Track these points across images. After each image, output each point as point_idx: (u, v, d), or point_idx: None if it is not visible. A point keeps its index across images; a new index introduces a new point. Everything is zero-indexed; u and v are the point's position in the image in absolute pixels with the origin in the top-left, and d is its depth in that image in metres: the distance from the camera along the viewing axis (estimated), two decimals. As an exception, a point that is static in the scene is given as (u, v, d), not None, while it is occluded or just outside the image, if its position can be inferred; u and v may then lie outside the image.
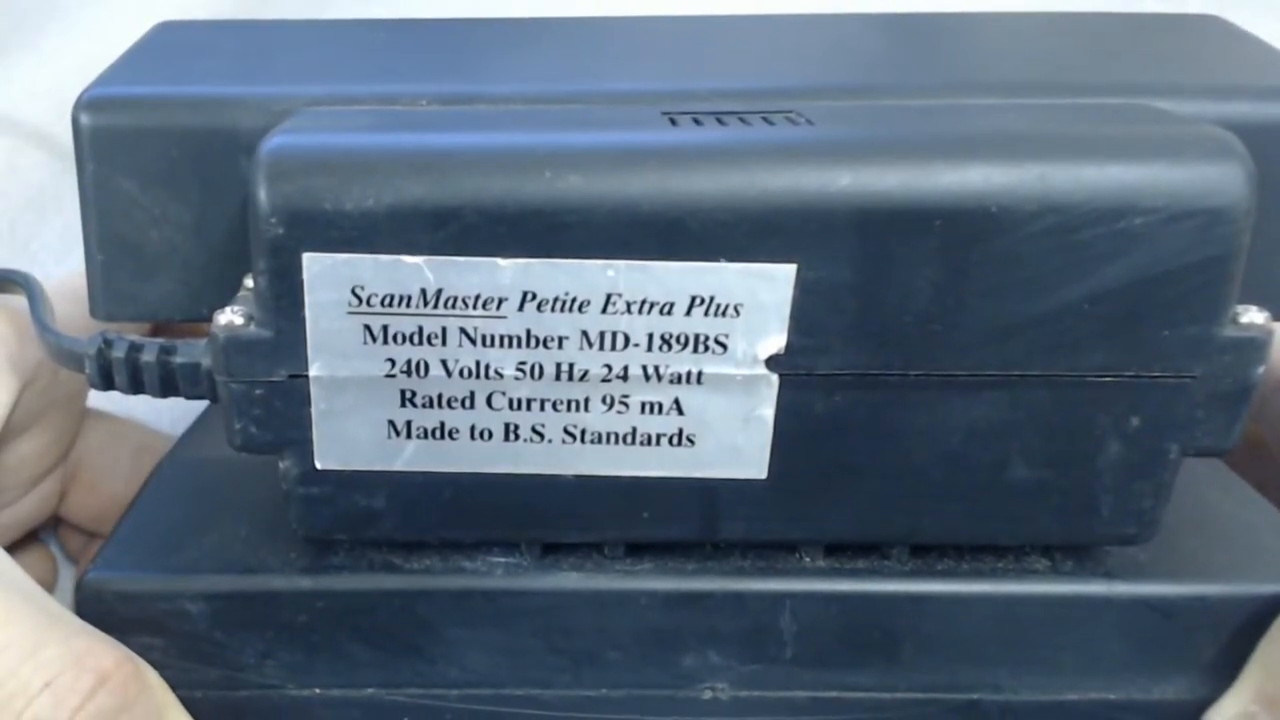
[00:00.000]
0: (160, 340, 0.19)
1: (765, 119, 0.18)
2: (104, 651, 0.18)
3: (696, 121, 0.18)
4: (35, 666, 0.17)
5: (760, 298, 0.17)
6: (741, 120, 0.18)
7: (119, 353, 0.19)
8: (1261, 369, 0.17)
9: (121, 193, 0.20)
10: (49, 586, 0.25)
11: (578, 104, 0.19)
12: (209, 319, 0.18)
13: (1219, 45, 0.23)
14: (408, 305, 0.17)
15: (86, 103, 0.19)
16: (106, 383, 0.19)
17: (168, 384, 0.19)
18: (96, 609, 0.19)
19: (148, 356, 0.19)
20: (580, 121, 0.18)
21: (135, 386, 0.19)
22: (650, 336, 0.17)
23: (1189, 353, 0.17)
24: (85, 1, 0.37)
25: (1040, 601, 0.19)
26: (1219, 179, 0.16)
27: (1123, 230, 0.16)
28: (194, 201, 0.20)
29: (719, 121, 0.18)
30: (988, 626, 0.19)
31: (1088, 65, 0.22)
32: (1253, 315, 0.17)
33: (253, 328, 0.17)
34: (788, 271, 0.17)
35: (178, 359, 0.19)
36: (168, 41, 0.23)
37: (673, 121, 0.18)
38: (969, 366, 0.17)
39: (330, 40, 0.23)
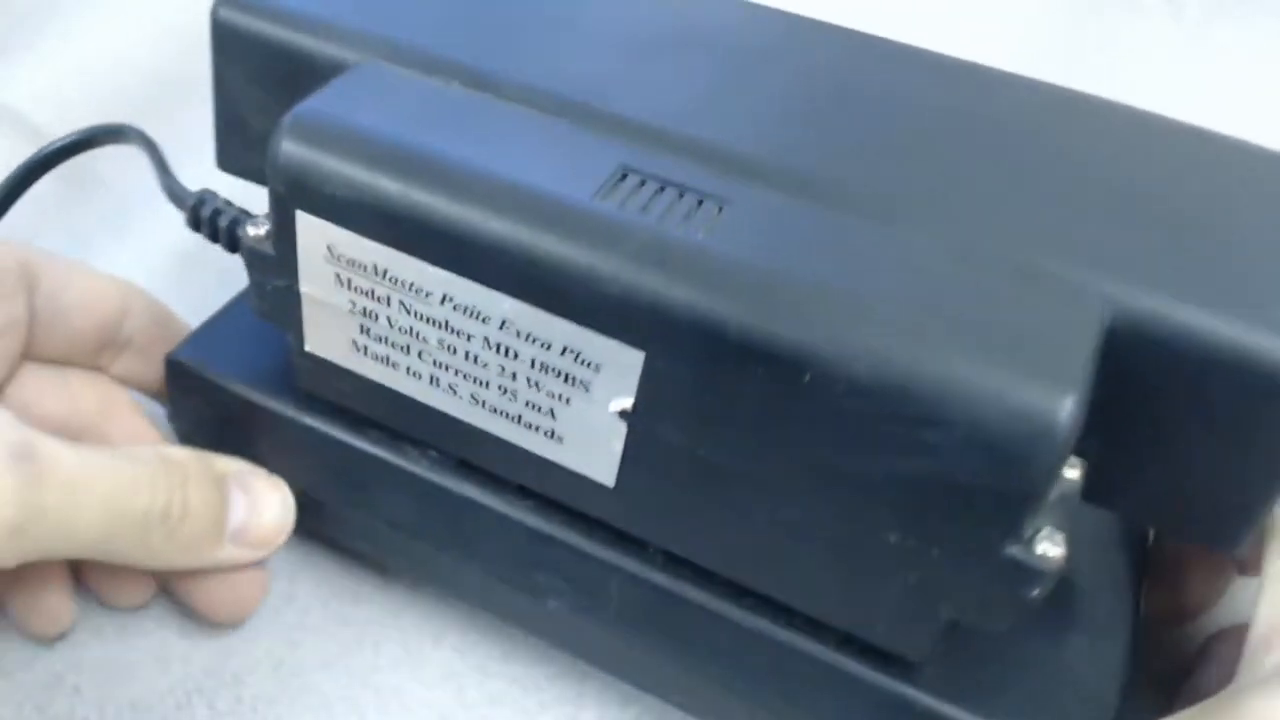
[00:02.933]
0: (236, 211, 0.25)
1: (700, 200, 0.20)
2: (168, 453, 0.25)
3: (642, 182, 0.20)
4: (153, 493, 0.23)
5: (616, 365, 0.20)
6: (680, 194, 0.20)
7: (207, 211, 0.25)
8: (1035, 592, 0.18)
9: (233, 80, 0.24)
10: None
11: (580, 115, 0.22)
12: None
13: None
14: (364, 272, 0.21)
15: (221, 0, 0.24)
16: (194, 226, 0.25)
17: (231, 245, 0.25)
18: (176, 377, 0.27)
19: (224, 221, 0.24)
20: (542, 155, 0.20)
21: (213, 237, 0.25)
22: (533, 360, 0.21)
23: (971, 553, 0.18)
24: (85, 2, 0.38)
25: (813, 662, 0.22)
26: (1030, 413, 0.17)
27: (918, 438, 0.17)
28: (283, 102, 0.24)
29: (659, 190, 0.20)
30: (764, 663, 0.22)
31: (1079, 224, 0.20)
32: (1047, 546, 0.18)
33: (267, 245, 0.22)
34: (638, 356, 0.19)
35: (240, 231, 0.24)
36: None
37: (623, 176, 0.20)
38: (778, 478, 0.20)
39: None
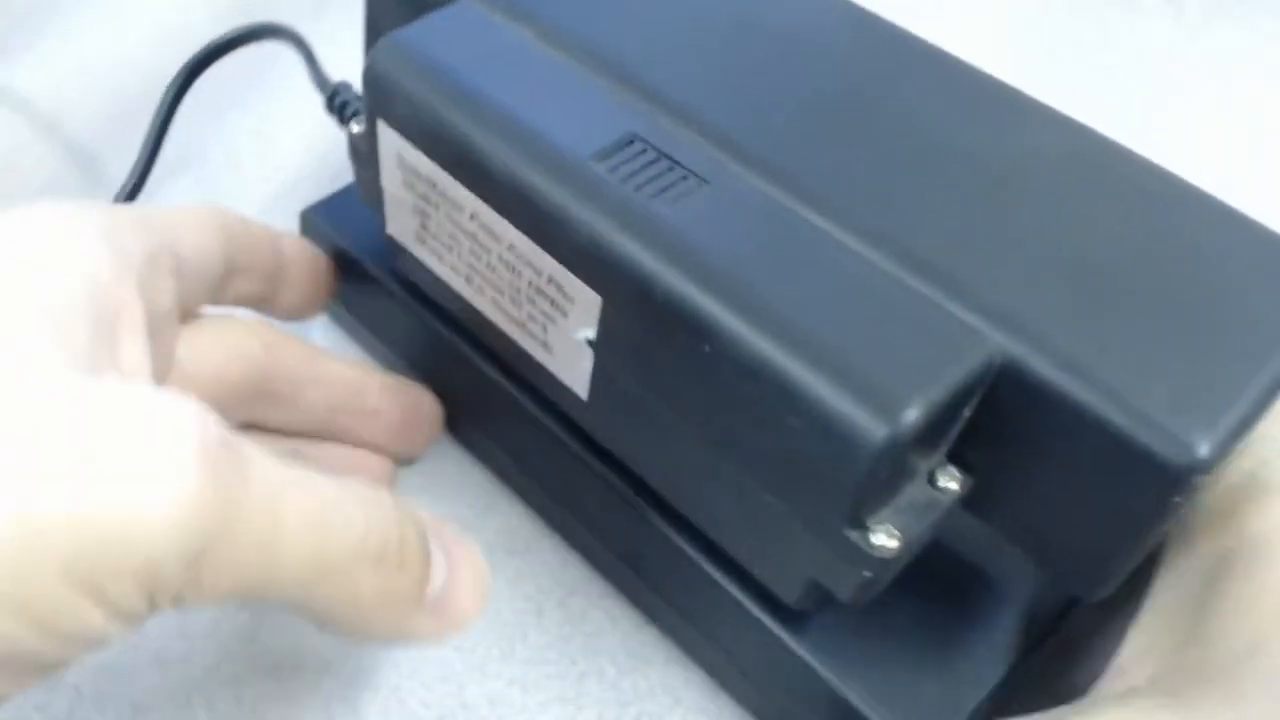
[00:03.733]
0: (360, 103, 0.29)
1: (686, 177, 0.22)
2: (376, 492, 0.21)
3: (643, 150, 0.23)
4: (368, 523, 0.19)
5: (583, 301, 0.23)
6: (671, 167, 0.23)
7: (339, 100, 0.30)
8: (869, 574, 0.21)
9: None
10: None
11: (622, 81, 0.24)
12: None
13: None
14: (421, 180, 0.26)
15: None
16: (329, 109, 0.30)
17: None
18: (306, 227, 0.32)
19: (349, 112, 0.29)
20: (567, 113, 0.24)
21: (341, 121, 0.30)
22: (530, 282, 0.24)
23: (819, 527, 0.21)
24: (85, 3, 0.38)
25: (718, 589, 0.25)
26: (860, 421, 0.19)
27: (784, 420, 0.20)
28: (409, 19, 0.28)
29: (654, 160, 0.23)
30: (683, 579, 0.26)
31: (1026, 271, 0.21)
32: (883, 538, 0.20)
33: (363, 142, 0.27)
34: (597, 299, 0.23)
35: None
36: None
37: (630, 142, 0.23)
38: (691, 424, 0.22)
39: None
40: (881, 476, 0.19)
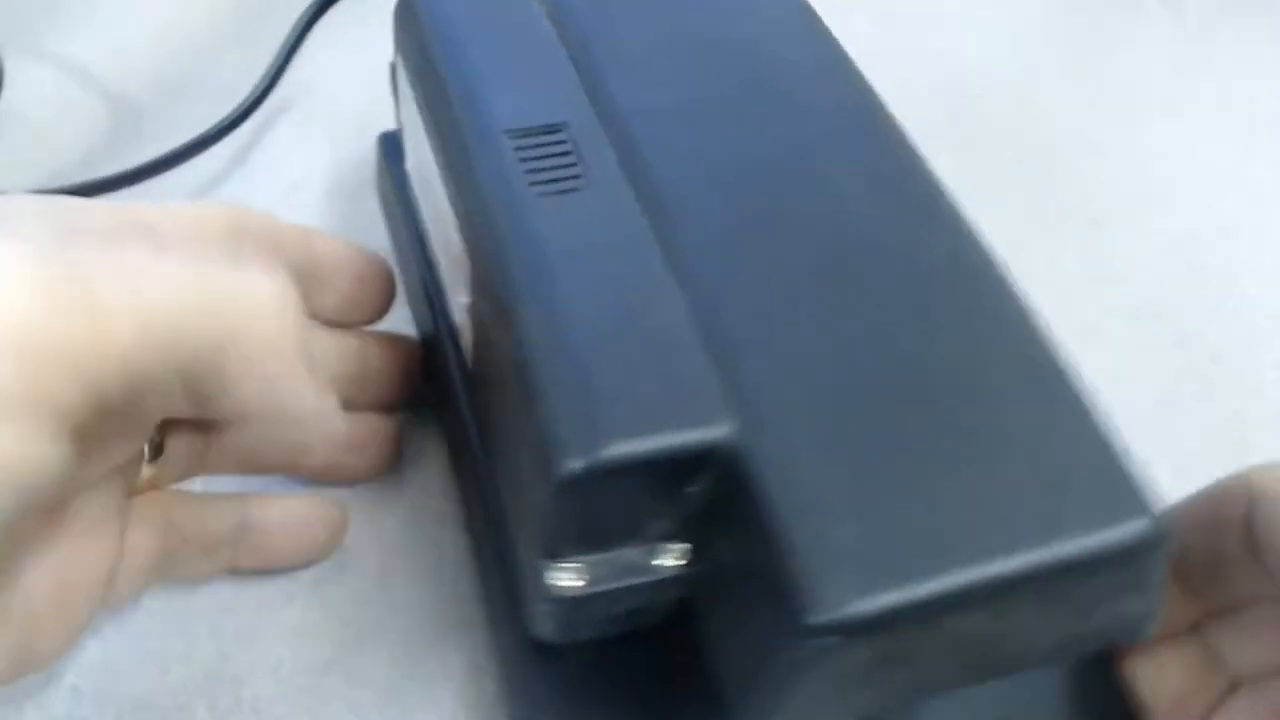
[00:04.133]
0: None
1: (580, 175, 0.22)
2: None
3: (561, 140, 0.23)
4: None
5: (464, 266, 0.24)
6: (574, 163, 0.23)
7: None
8: (545, 608, 0.20)
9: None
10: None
11: (594, 81, 0.25)
12: None
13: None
14: (413, 120, 0.27)
15: None
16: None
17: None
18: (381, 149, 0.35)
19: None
20: (522, 90, 0.24)
21: None
22: (449, 239, 0.25)
23: (524, 545, 0.20)
24: (86, 4, 0.38)
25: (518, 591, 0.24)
26: (559, 446, 0.18)
27: (527, 428, 0.20)
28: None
29: (565, 153, 0.23)
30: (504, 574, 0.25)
31: (816, 371, 0.19)
32: (561, 576, 0.20)
33: (394, 77, 0.29)
34: (469, 265, 0.23)
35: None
36: None
37: (554, 130, 0.23)
38: (494, 412, 0.22)
39: None
40: (575, 510, 0.19)
